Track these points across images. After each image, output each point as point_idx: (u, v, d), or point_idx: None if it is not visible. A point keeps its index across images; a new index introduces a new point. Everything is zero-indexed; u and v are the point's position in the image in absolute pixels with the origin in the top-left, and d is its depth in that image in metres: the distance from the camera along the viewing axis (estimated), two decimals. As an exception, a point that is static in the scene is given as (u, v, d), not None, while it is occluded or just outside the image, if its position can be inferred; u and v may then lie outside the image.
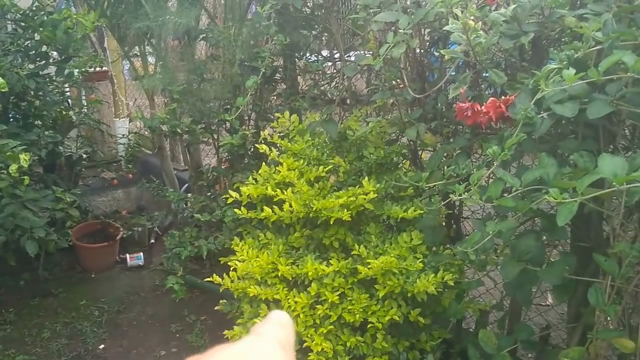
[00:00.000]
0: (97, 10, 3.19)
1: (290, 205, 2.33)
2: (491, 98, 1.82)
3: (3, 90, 2.66)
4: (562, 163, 1.73)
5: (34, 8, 3.14)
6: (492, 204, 1.71)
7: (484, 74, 2.14)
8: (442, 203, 2.00)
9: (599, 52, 1.65)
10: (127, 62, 4.35)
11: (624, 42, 1.60)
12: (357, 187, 2.40)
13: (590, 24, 1.65)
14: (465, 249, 1.64)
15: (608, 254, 1.61)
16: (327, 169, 2.51)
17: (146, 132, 5.32)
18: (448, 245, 2.40)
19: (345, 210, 2.26)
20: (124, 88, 6.13)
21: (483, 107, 1.83)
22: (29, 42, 3.16)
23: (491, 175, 1.77)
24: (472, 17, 1.86)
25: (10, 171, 2.56)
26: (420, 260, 2.20)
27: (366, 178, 2.42)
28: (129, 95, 6.29)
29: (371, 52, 2.67)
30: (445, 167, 2.14)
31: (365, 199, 2.29)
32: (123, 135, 5.35)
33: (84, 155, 4.45)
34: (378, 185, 2.37)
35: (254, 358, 0.42)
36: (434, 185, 2.14)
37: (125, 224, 4.44)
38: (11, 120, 3.20)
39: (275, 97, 3.38)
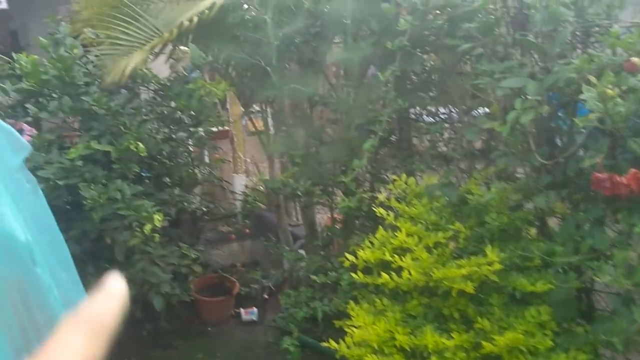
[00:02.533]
0: (226, 80, 3.41)
1: (409, 273, 2.29)
2: (633, 170, 1.71)
3: (142, 154, 2.88)
4: None
5: (171, 78, 3.43)
6: None
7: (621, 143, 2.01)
8: (574, 276, 1.88)
9: None
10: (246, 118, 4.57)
11: None
12: (480, 255, 2.31)
13: None
14: (609, 338, 1.51)
15: None
16: (446, 234, 2.45)
17: (261, 188, 5.51)
18: (579, 321, 2.23)
19: (468, 281, 2.18)
20: (243, 145, 6.44)
21: (624, 179, 1.72)
22: (165, 109, 3.43)
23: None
24: (607, 83, 1.77)
25: (145, 230, 2.74)
26: (549, 337, 2.06)
27: (489, 246, 2.33)
28: (247, 150, 6.58)
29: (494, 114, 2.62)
30: (580, 239, 2.02)
31: (489, 269, 2.20)
32: (241, 192, 5.58)
33: (206, 210, 4.67)
34: (502, 254, 2.27)
35: None
36: (567, 259, 2.02)
37: (240, 278, 4.57)
38: (145, 180, 3.44)
39: (391, 159, 3.39)
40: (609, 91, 1.73)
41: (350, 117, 3.14)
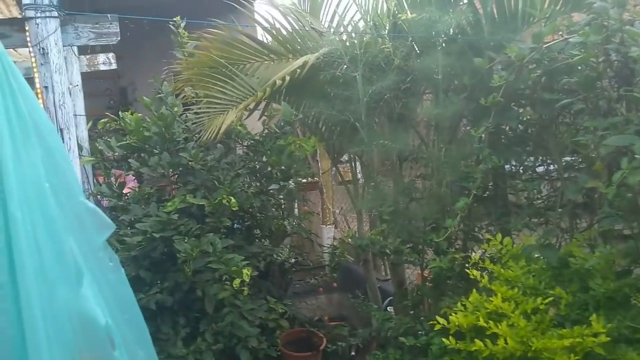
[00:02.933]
0: (316, 135, 3.46)
1: (505, 341, 2.15)
2: None
3: (234, 208, 2.95)
4: None
5: (263, 134, 3.53)
6: None
7: None
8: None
9: None
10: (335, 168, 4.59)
11: None
12: (584, 325, 2.14)
13: None
14: None
15: None
16: (546, 300, 2.29)
17: (349, 240, 5.48)
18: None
19: (571, 353, 2.01)
20: (332, 196, 6.47)
21: None
22: (257, 163, 3.53)
23: None
24: None
25: (234, 285, 2.78)
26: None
27: (594, 315, 2.15)
28: (335, 201, 6.60)
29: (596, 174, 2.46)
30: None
31: (594, 341, 2.03)
32: (330, 245, 5.57)
33: (294, 261, 4.69)
34: (609, 324, 2.09)
35: None
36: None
37: (328, 333, 4.50)
38: (236, 232, 3.52)
39: (485, 216, 3.25)
40: None
41: (442, 173, 3.06)
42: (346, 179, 4.18)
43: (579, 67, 2.43)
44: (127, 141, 3.39)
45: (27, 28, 2.63)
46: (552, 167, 3.15)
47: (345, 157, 4.12)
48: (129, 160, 3.45)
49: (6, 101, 0.98)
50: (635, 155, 1.93)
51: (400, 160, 3.42)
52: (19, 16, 3.23)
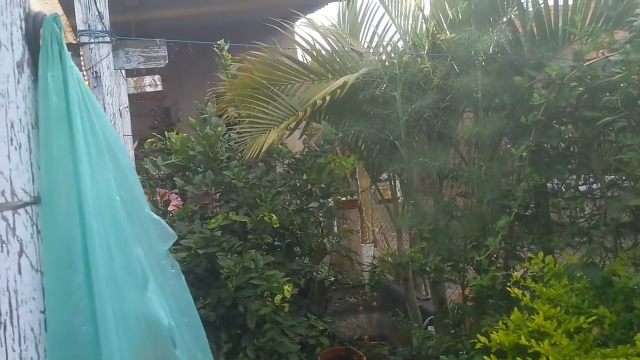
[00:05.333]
0: (356, 154, 3.52)
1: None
2: None
3: (275, 225, 3.02)
4: None
5: (304, 153, 3.60)
6: None
7: None
8: None
9: None
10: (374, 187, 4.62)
11: None
12: (628, 344, 2.10)
13: None
14: None
15: None
16: (589, 319, 2.26)
17: (389, 259, 5.48)
18: None
19: (616, 374, 1.98)
20: (371, 215, 6.48)
21: None
22: (297, 181, 3.59)
23: None
24: None
25: (275, 301, 2.83)
26: None
27: (638, 334, 2.11)
28: (375, 220, 6.61)
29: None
30: None
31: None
32: (369, 264, 5.57)
33: (334, 279, 4.71)
34: (655, 344, 2.05)
35: None
36: None
37: (368, 352, 4.49)
38: (277, 249, 3.58)
39: (527, 235, 3.23)
40: None
41: (482, 191, 3.06)
42: (386, 197, 4.21)
43: (621, 85, 2.42)
44: (173, 160, 3.50)
45: (81, 53, 2.77)
46: (595, 185, 3.12)
47: (384, 176, 4.16)
48: (174, 178, 3.57)
49: (84, 122, 1.08)
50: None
51: (440, 179, 3.43)
52: (74, 42, 3.40)
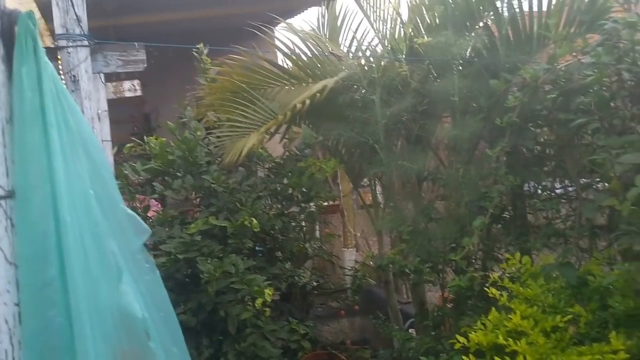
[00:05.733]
0: (336, 158, 3.54)
1: (525, 358, 2.16)
2: None
3: (256, 230, 3.02)
4: None
5: (284, 157, 3.61)
6: None
7: None
8: None
9: None
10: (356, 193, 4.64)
11: None
12: (603, 342, 2.14)
13: None
14: None
15: None
16: (565, 318, 2.30)
17: (371, 263, 5.49)
18: None
19: (591, 370, 2.01)
20: (353, 219, 6.50)
21: None
22: (278, 185, 3.60)
23: None
24: None
25: (256, 305, 2.83)
26: None
27: (613, 332, 2.15)
28: (357, 224, 6.63)
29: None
30: None
31: (614, 358, 2.03)
32: (351, 267, 5.58)
33: (315, 284, 4.71)
34: (629, 342, 2.09)
35: None
36: None
37: (350, 356, 4.50)
38: (258, 254, 3.58)
39: (504, 236, 3.27)
40: None
41: (460, 194, 3.10)
42: (367, 202, 4.24)
43: (594, 88, 2.47)
44: (152, 165, 3.49)
45: (59, 57, 2.76)
46: (570, 187, 3.17)
47: (366, 181, 4.18)
48: (153, 183, 3.55)
49: (58, 117, 1.08)
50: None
51: (419, 181, 3.46)
52: (52, 46, 3.39)
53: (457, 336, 2.42)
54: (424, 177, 3.40)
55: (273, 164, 3.66)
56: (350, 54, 3.60)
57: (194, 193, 3.48)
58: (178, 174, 3.47)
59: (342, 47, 3.79)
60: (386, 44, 3.49)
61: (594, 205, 2.55)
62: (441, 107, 3.31)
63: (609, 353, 2.04)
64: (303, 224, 4.21)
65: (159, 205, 3.98)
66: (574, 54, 2.72)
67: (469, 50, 3.09)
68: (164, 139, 3.60)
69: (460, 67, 3.14)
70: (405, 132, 3.41)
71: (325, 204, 4.73)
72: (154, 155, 3.48)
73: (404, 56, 3.32)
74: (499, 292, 2.52)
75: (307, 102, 3.11)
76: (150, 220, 3.60)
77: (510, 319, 2.34)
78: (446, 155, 3.50)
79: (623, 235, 2.33)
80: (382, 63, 3.29)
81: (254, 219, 3.05)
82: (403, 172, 3.26)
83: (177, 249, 3.05)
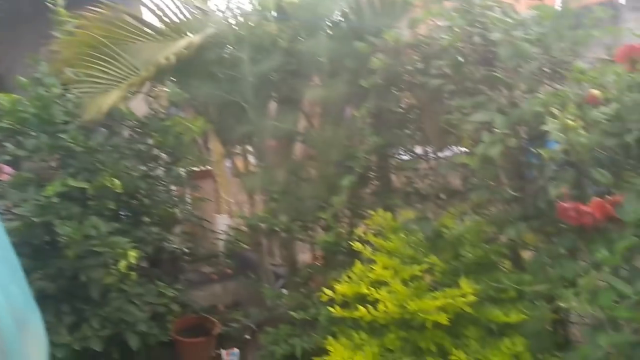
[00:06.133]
0: (204, 116, 3.45)
1: (385, 306, 2.29)
2: (596, 198, 1.74)
3: (118, 190, 2.88)
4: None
5: (148, 115, 3.46)
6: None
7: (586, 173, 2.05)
8: (548, 308, 1.89)
9: None
10: (230, 160, 4.59)
11: None
12: (455, 288, 2.32)
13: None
14: (575, 361, 1.52)
15: None
16: (422, 267, 2.46)
17: (244, 228, 5.48)
18: (555, 353, 2.22)
19: (443, 313, 2.18)
20: (227, 185, 6.43)
21: (587, 207, 1.75)
22: (142, 146, 3.45)
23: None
24: (571, 117, 1.82)
25: (120, 267, 2.72)
26: (525, 369, 2.05)
27: (463, 278, 2.34)
28: (232, 191, 6.57)
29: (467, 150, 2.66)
30: (550, 270, 2.03)
31: (463, 301, 2.21)
32: (223, 231, 5.54)
33: (186, 250, 4.62)
34: (477, 286, 2.28)
35: None
36: (540, 290, 2.03)
37: (222, 319, 4.50)
38: (122, 217, 3.42)
39: (370, 196, 3.41)
40: (571, 123, 1.78)
41: (329, 154, 3.17)
42: (241, 169, 4.19)
43: (450, 51, 2.61)
44: (1, 123, 3.18)
45: None
46: (429, 148, 3.36)
47: (238, 147, 4.12)
48: (4, 144, 3.25)
49: None
50: (496, 130, 2.12)
51: (290, 142, 3.49)
52: None
53: (324, 289, 2.50)
54: (294, 137, 3.43)
55: (136, 123, 3.49)
56: (218, 11, 3.49)
57: (51, 156, 3.23)
58: (32, 133, 3.20)
59: (209, 4, 3.67)
60: (254, 2, 3.43)
61: (449, 163, 2.73)
62: (310, 68, 3.34)
63: (458, 296, 2.22)
64: (174, 188, 4.08)
65: (12, 170, 3.66)
66: (434, 19, 2.85)
67: (336, 12, 3.12)
68: (17, 95, 3.29)
69: (329, 31, 3.17)
70: (276, 92, 3.40)
71: (197, 169, 4.63)
72: (4, 113, 3.17)
73: (272, 14, 3.29)
74: (364, 246, 2.63)
75: (173, 58, 2.99)
76: (2, 183, 3.31)
77: (373, 270, 2.46)
78: (316, 116, 3.55)
79: (473, 190, 2.52)
80: (251, 21, 3.24)
81: (115, 180, 2.90)
82: (273, 132, 3.26)
83: (32, 213, 2.83)
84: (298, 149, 3.66)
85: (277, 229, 3.13)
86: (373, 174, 3.37)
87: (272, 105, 3.49)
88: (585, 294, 1.53)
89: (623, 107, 1.76)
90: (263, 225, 3.26)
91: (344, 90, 3.08)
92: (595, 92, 1.83)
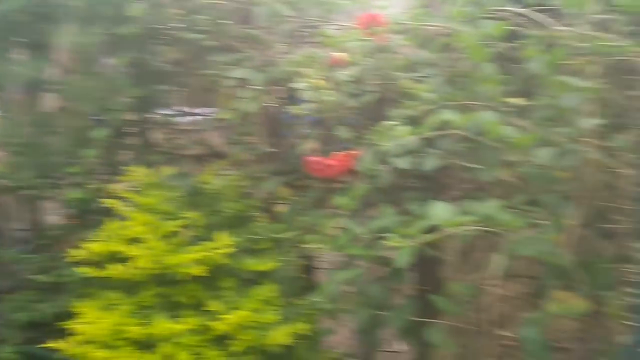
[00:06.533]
0: None
1: (139, 262, 2.24)
2: (338, 152, 1.92)
3: None
4: (404, 212, 1.85)
5: None
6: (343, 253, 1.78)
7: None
8: (296, 254, 2.04)
9: (431, 111, 1.82)
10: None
11: (451, 102, 1.78)
12: (210, 242, 2.37)
13: (424, 86, 1.83)
14: (317, 299, 1.68)
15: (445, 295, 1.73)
16: (181, 223, 2.46)
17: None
18: (303, 297, 2.42)
19: (202, 266, 2.21)
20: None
21: (332, 161, 1.93)
22: None
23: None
24: (320, 77, 1.97)
25: None
26: (275, 312, 2.19)
27: (218, 232, 2.40)
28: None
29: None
30: (300, 219, 2.20)
31: (220, 252, 2.27)
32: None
33: None
34: (234, 239, 2.36)
35: None
36: (291, 238, 2.18)
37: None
38: None
39: (128, 151, 3.26)
40: (320, 82, 1.93)
41: (82, 106, 2.95)
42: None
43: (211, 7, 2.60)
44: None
45: None
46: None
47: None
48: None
49: None
50: (253, 87, 2.20)
51: (37, 91, 3.16)
52: None
53: (71, 250, 2.36)
54: (42, 86, 3.11)
55: None
56: None
57: None
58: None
59: None
60: None
61: (209, 120, 2.75)
62: (62, 13, 3.04)
63: (213, 249, 2.27)
64: None
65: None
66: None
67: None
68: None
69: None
70: (22, 36, 3.04)
71: None
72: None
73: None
74: (120, 203, 2.52)
75: None
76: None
77: (129, 227, 2.39)
78: (69, 64, 3.26)
79: (232, 146, 2.59)
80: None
81: None
82: (18, 80, 2.93)
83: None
84: (49, 99, 3.33)
85: (19, 185, 2.83)
86: (131, 129, 3.23)
87: (19, 52, 3.12)
88: (327, 237, 1.69)
89: (363, 70, 1.96)
90: (2, 182, 2.92)
91: (98, 38, 2.87)
92: (339, 55, 2.00)
